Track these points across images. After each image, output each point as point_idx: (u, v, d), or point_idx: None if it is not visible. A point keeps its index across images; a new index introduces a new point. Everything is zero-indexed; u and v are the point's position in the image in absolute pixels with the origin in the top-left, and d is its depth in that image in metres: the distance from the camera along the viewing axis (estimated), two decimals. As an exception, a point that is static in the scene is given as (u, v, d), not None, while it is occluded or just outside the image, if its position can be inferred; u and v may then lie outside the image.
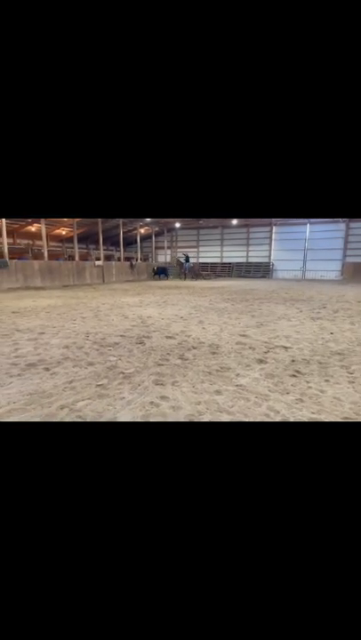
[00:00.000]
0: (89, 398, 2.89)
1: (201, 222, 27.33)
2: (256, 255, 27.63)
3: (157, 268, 22.86)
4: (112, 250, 27.42)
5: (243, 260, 28.12)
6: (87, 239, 26.54)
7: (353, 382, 3.31)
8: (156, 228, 28.24)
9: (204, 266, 28.21)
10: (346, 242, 24.08)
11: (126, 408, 2.70)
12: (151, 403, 2.80)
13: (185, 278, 22.70)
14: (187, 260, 23.81)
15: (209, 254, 29.57)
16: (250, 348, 4.58)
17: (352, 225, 23.43)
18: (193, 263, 23.97)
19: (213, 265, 28.48)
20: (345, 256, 24.24)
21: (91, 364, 3.87)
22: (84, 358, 4.07)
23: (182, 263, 23.94)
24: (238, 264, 27.82)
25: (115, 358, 4.07)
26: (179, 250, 28.76)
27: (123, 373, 3.53)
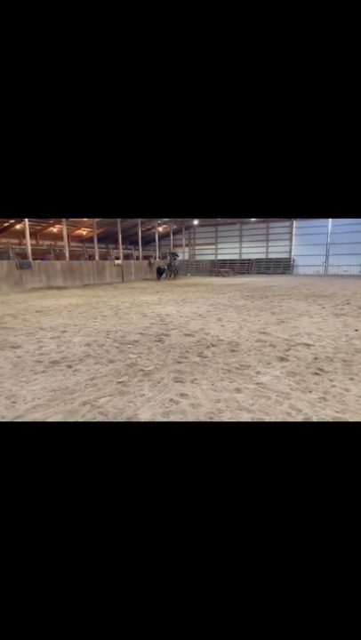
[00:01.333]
0: (110, 395, 2.95)
1: (219, 219, 27.09)
2: (276, 251, 27.08)
3: (160, 268, 21.00)
4: (131, 249, 27.73)
5: (262, 256, 27.64)
6: (107, 239, 26.98)
7: (380, 381, 3.18)
8: (174, 226, 28.26)
9: (223, 262, 27.96)
10: (371, 235, 23.14)
11: (146, 405, 2.73)
12: (171, 400, 2.81)
13: (169, 277, 20.96)
14: (174, 257, 21.87)
15: (228, 251, 29.27)
16: (270, 345, 4.50)
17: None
18: (179, 262, 22.72)
19: (232, 262, 28.17)
20: (370, 249, 23.31)
21: (111, 361, 3.94)
22: (104, 356, 4.15)
23: (174, 260, 21.72)
24: (258, 260, 27.36)
25: (135, 356, 4.12)
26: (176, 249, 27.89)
27: (142, 371, 3.57)
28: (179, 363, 3.83)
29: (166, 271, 20.84)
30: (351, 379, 3.25)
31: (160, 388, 3.10)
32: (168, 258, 21.46)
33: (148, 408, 2.67)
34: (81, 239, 26.30)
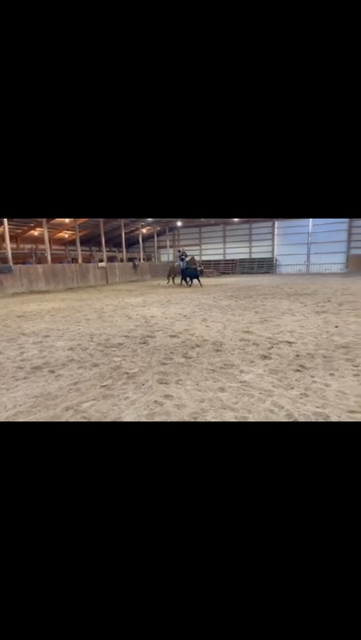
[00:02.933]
0: (94, 399, 2.92)
1: (203, 220, 27.27)
2: (259, 251, 27.48)
3: (184, 270, 15.25)
4: (115, 251, 27.51)
5: (246, 256, 28.00)
6: (90, 241, 26.67)
7: (358, 375, 3.28)
8: (158, 228, 28.25)
9: (207, 263, 28.16)
10: (350, 234, 23.83)
11: (130, 408, 2.72)
12: (155, 402, 2.81)
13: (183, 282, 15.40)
14: (181, 258, 16.08)
15: (212, 251, 29.49)
16: (254, 344, 4.57)
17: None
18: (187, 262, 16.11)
19: (216, 262, 28.40)
20: (349, 248, 23.99)
21: (95, 365, 3.90)
22: (88, 360, 4.11)
23: (182, 260, 16.01)
24: (242, 260, 27.70)
25: (119, 359, 4.10)
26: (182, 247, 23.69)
27: (127, 373, 3.55)
28: (163, 364, 3.83)
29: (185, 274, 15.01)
30: (331, 374, 3.34)
31: (144, 390, 3.09)
32: (185, 260, 15.65)
33: (132, 411, 2.66)
34: (63, 242, 25.89)
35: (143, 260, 25.42)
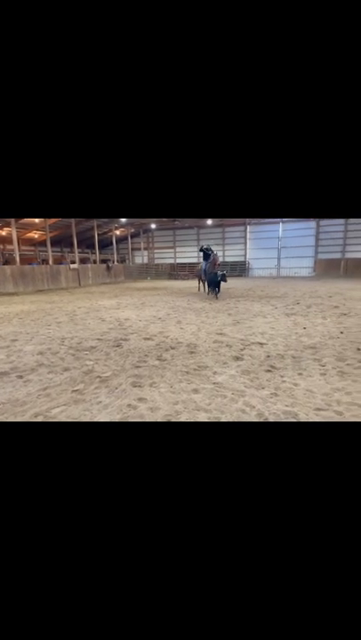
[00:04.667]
0: (64, 404, 2.83)
1: (177, 223, 27.41)
2: (232, 254, 28.06)
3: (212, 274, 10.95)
4: (87, 252, 26.93)
5: (220, 259, 28.49)
6: (61, 242, 25.91)
7: (325, 374, 3.45)
8: (132, 230, 28.03)
9: (182, 266, 28.32)
10: (317, 239, 24.98)
11: (103, 412, 2.67)
12: (129, 405, 2.78)
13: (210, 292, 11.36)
14: (205, 255, 11.58)
15: (187, 254, 29.70)
16: (227, 345, 4.65)
17: (322, 223, 24.34)
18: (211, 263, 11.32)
19: (191, 265, 28.64)
20: (316, 253, 25.13)
21: (66, 369, 3.79)
22: (59, 364, 3.98)
23: (206, 258, 11.56)
24: (215, 263, 28.14)
25: (91, 362, 4.01)
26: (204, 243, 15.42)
27: (100, 377, 3.49)
28: (137, 367, 3.79)
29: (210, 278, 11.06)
30: (300, 374, 3.48)
31: (118, 393, 3.05)
32: (211, 257, 11.22)
33: (104, 415, 2.61)
34: (33, 242, 24.96)
35: (117, 261, 25.10)
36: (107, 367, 3.82)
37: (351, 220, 23.37)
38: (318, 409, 2.66)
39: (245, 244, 27.56)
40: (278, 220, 25.22)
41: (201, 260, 12.58)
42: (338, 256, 24.09)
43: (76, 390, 3.14)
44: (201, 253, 11.92)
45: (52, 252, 19.60)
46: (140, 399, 2.90)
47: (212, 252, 11.40)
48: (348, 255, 23.74)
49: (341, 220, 23.77)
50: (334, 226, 24.24)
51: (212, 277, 10.78)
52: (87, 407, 2.76)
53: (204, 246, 11.84)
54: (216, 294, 10.86)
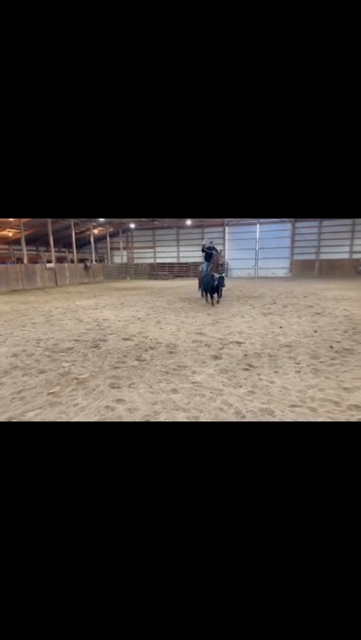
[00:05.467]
0: (40, 407, 2.76)
1: (156, 222, 27.31)
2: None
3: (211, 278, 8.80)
4: (64, 251, 26.25)
5: (199, 259, 28.62)
6: (36, 241, 25.11)
7: (299, 372, 3.56)
8: (111, 229, 27.64)
9: (162, 266, 28.28)
10: (293, 241, 25.71)
11: (80, 414, 2.62)
12: (107, 407, 2.75)
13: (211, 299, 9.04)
14: (208, 255, 9.41)
15: (166, 254, 29.67)
16: (206, 345, 4.70)
17: (297, 225, 25.09)
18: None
19: (171, 265, 28.65)
20: (292, 254, 25.87)
21: (42, 371, 3.68)
22: (34, 366, 3.86)
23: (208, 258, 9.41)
24: (195, 264, 28.31)
25: (68, 364, 3.92)
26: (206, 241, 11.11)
27: (77, 379, 3.42)
28: (116, 368, 3.75)
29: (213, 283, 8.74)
30: (276, 372, 3.57)
31: (95, 395, 3.00)
32: (214, 255, 9.31)
33: (81, 417, 2.57)
34: (7, 241, 24.03)
35: (95, 261, 24.67)
36: (84, 369, 3.75)
37: (325, 223, 24.23)
38: (293, 405, 2.74)
39: (224, 244, 27.88)
40: (256, 220, 25.71)
41: (202, 260, 10.03)
42: (312, 257, 24.91)
43: (52, 393, 3.07)
44: (202, 254, 9.49)
45: (27, 250, 18.95)
46: (119, 400, 2.87)
47: (216, 250, 9.21)
48: (322, 256, 24.62)
49: (315, 222, 24.58)
50: (309, 228, 25.01)
51: (208, 281, 8.65)
52: (63, 410, 2.70)
53: (206, 244, 9.35)
54: (213, 301, 8.81)
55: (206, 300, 9.14)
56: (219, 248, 31.15)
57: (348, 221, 23.40)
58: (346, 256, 24.03)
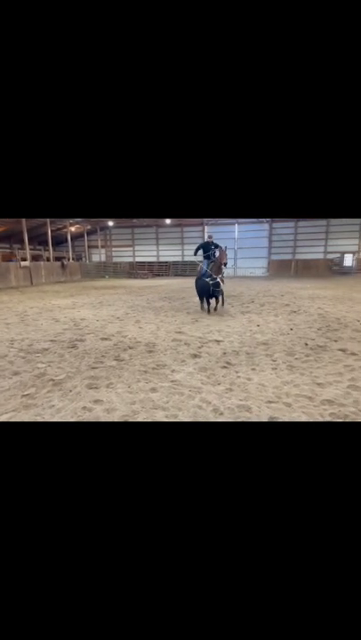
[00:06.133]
0: (13, 410, 2.66)
1: (135, 221, 27.06)
2: (191, 254, 28.47)
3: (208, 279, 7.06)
4: (40, 249, 25.46)
5: (179, 258, 28.70)
6: (10, 238, 24.18)
7: (275, 369, 3.65)
8: (88, 226, 27.10)
9: (141, 265, 28.08)
10: (270, 241, 26.31)
11: (56, 416, 2.55)
12: (84, 408, 2.70)
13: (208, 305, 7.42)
14: (207, 251, 7.53)
15: (145, 253, 29.49)
16: (185, 344, 4.71)
17: (274, 225, 25.71)
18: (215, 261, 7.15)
19: (150, 264, 28.51)
20: (270, 254, 26.48)
21: (16, 373, 3.56)
22: (7, 367, 3.73)
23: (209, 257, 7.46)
24: (175, 263, 28.32)
25: (44, 365, 3.81)
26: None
27: (53, 380, 3.33)
28: (94, 368, 3.69)
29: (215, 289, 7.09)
30: (253, 369, 3.65)
31: (72, 396, 2.94)
32: (217, 254, 7.31)
33: (58, 419, 2.50)
34: (-22, 237, 23.00)
35: (73, 259, 24.10)
36: (60, 369, 3.66)
37: (301, 223, 24.96)
38: (270, 401, 2.81)
39: (203, 243, 28.04)
40: (234, 220, 26.06)
41: (199, 260, 8.35)
42: (289, 257, 25.60)
43: (27, 395, 2.97)
44: (200, 251, 7.67)
45: (0, 248, 18.23)
46: (97, 401, 2.83)
47: (219, 247, 7.35)
48: (298, 256, 25.36)
49: (291, 223, 25.25)
50: (285, 228, 25.67)
51: (203, 284, 7.10)
52: (38, 412, 2.63)
53: (206, 239, 7.73)
54: (209, 307, 7.28)
55: (202, 307, 7.57)
56: (198, 247, 30.93)
57: (323, 222, 24.25)
58: (321, 256, 24.89)
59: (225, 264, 7.06)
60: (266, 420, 2.47)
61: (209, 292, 7.05)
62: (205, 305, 7.43)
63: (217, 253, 7.29)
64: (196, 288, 7.66)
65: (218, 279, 6.86)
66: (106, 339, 5.06)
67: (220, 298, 7.30)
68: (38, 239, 25.35)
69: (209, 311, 7.27)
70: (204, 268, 7.42)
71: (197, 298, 7.90)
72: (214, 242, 7.54)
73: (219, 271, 6.94)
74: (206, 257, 7.54)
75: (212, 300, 7.30)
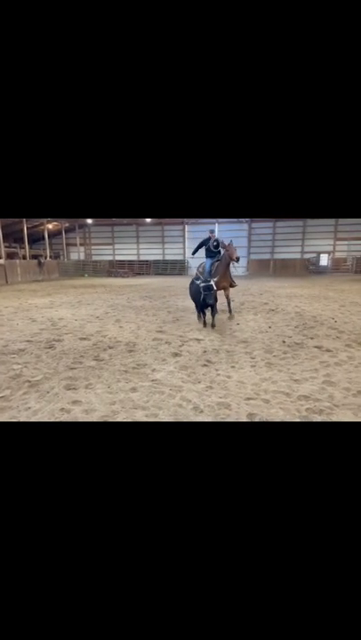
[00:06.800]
0: (-14, 414, 2.56)
1: (115, 219, 26.71)
2: (171, 253, 28.40)
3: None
4: (15, 247, 24.58)
5: (159, 257, 28.60)
6: (-17, 234, 23.19)
7: (254, 366, 3.72)
8: (66, 224, 26.44)
9: (122, 263, 27.76)
10: (249, 240, 26.74)
11: (32, 418, 2.48)
12: (62, 409, 2.63)
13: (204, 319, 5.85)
14: (209, 250, 6.46)
15: (126, 251, 29.16)
16: (166, 342, 4.71)
17: (253, 225, 26.15)
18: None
19: (131, 262, 28.23)
20: (249, 253, 26.91)
21: (-11, 375, 3.42)
22: (-20, 370, 3.58)
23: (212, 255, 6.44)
24: (155, 261, 28.20)
25: (19, 366, 3.69)
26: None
27: (29, 382, 3.23)
28: (72, 369, 3.61)
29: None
30: (233, 366, 3.70)
31: (49, 397, 2.86)
32: (222, 253, 6.29)
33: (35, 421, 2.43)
34: None
35: (50, 257, 23.45)
36: (37, 370, 3.56)
37: (279, 224, 25.50)
38: (248, 398, 2.86)
39: (184, 242, 28.13)
40: (214, 220, 26.26)
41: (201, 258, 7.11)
42: (267, 257, 26.12)
43: (2, 397, 2.87)
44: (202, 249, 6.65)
45: (-28, 245, 17.47)
46: (75, 402, 2.77)
47: (223, 244, 6.42)
48: (277, 256, 25.93)
49: (270, 223, 25.76)
50: (264, 228, 26.15)
51: (196, 290, 5.58)
52: (14, 414, 2.54)
53: (209, 234, 6.73)
54: (204, 318, 5.83)
55: (198, 317, 6.00)
56: (179, 246, 30.96)
57: (300, 222, 24.91)
58: (298, 256, 25.56)
59: (237, 259, 5.96)
60: (245, 420, 2.52)
61: (203, 300, 5.34)
62: (201, 315, 5.88)
63: (222, 252, 6.27)
64: (190, 294, 6.04)
65: (211, 282, 5.29)
66: (85, 338, 4.96)
67: (228, 307, 5.97)
68: (14, 236, 24.45)
69: (204, 324, 5.70)
70: (207, 268, 6.34)
71: (188, 301, 6.79)
72: (218, 239, 6.57)
73: (225, 272, 5.95)
74: (209, 256, 6.48)
75: (209, 311, 5.63)
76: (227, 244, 6.27)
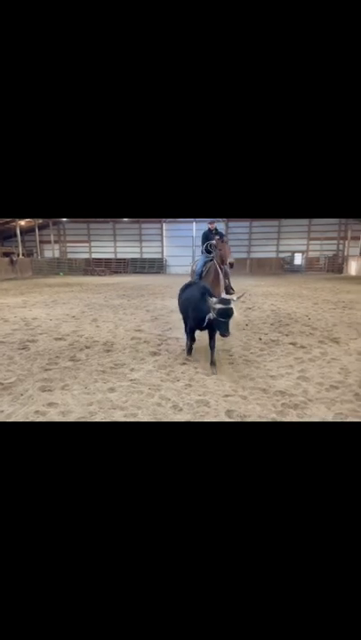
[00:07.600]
0: None
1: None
2: (150, 251, 28.24)
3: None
4: (-15, 244, 23.51)
5: (137, 255, 28.35)
6: None
7: (232, 363, 3.78)
8: (40, 221, 25.57)
9: (99, 261, 27.24)
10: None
11: (5, 423, 2.38)
12: (36, 412, 2.55)
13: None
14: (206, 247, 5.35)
15: (103, 249, 28.66)
16: (145, 342, 4.68)
17: (230, 224, 26.50)
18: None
19: (108, 260, 27.77)
20: (226, 252, 27.34)
21: None
22: None
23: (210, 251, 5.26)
24: (133, 260, 27.92)
25: (-9, 369, 3.53)
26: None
27: (1, 384, 3.10)
28: (47, 370, 3.50)
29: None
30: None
31: (23, 400, 2.76)
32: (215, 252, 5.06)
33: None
34: None
35: (23, 255, 22.61)
36: (10, 372, 3.42)
37: (255, 223, 26.00)
38: (226, 395, 2.90)
39: (162, 241, 28.05)
40: (192, 219, 26.38)
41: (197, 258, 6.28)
42: (244, 256, 26.57)
43: (-29, 402, 2.73)
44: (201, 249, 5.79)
45: None
46: (50, 404, 2.69)
47: (220, 236, 5.43)
48: (253, 255, 26.45)
49: (246, 223, 26.21)
50: (240, 227, 26.56)
51: (189, 297, 3.69)
52: (-15, 420, 2.43)
53: (208, 225, 5.73)
54: (191, 346, 4.02)
55: (186, 344, 4.10)
56: (157, 244, 30.93)
57: (275, 222, 25.54)
58: (273, 255, 26.22)
59: (231, 265, 4.69)
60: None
61: (203, 320, 3.39)
62: (189, 342, 3.98)
63: (215, 252, 5.08)
64: (179, 304, 4.01)
65: (232, 305, 3.38)
66: (60, 339, 4.83)
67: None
68: (-17, 232, 23.35)
69: (190, 351, 3.97)
70: (198, 268, 5.16)
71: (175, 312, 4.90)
72: (219, 231, 5.54)
73: (217, 277, 4.47)
74: (207, 251, 5.39)
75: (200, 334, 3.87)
76: (225, 239, 5.13)
